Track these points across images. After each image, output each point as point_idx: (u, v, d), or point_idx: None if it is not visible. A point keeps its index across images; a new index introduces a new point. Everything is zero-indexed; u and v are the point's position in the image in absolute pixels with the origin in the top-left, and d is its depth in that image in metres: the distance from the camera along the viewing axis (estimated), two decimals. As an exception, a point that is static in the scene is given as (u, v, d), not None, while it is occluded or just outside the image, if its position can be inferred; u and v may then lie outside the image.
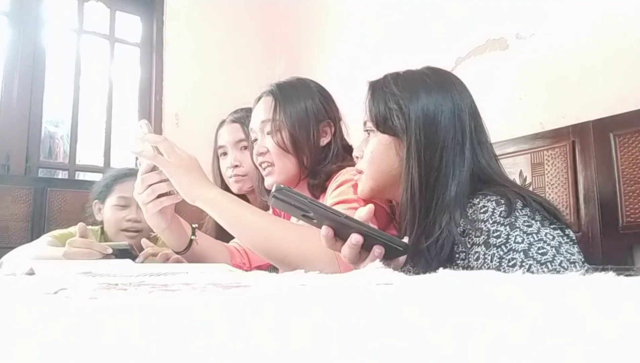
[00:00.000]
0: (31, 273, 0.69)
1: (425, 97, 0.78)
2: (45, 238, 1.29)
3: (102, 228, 1.42)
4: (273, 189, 0.63)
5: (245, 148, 1.31)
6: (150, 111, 2.64)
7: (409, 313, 0.25)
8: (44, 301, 0.32)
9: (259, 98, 1.06)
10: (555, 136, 1.58)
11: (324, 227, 0.63)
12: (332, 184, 0.94)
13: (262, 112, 1.03)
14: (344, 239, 0.64)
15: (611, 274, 0.35)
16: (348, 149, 1.08)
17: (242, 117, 1.33)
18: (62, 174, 2.51)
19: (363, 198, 0.85)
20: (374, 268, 0.50)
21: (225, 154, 1.34)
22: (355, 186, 0.88)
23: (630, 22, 1.51)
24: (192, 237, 0.95)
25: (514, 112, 1.75)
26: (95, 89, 2.59)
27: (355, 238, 0.62)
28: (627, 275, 0.34)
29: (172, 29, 2.71)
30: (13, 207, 2.09)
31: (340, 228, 0.62)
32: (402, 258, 0.69)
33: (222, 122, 1.37)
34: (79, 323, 0.23)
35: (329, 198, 0.91)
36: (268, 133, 1.02)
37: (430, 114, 0.78)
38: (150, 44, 2.70)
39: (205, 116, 2.41)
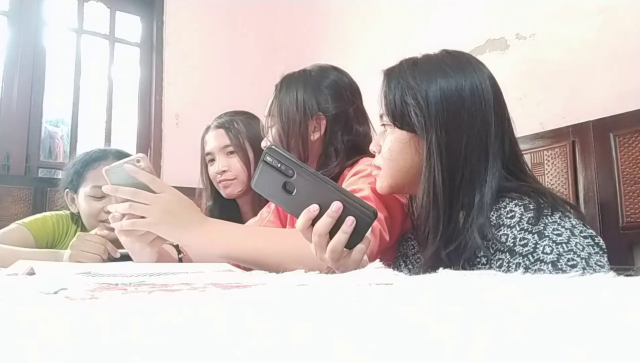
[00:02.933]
0: (31, 273, 0.69)
1: (445, 87, 0.71)
2: (19, 228, 1.21)
3: (71, 214, 1.32)
4: (265, 149, 0.61)
5: (232, 152, 1.31)
6: (150, 111, 2.64)
7: (409, 313, 0.25)
8: (44, 301, 0.31)
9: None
10: (555, 136, 1.58)
11: (312, 205, 0.58)
12: (348, 175, 0.92)
13: (267, 107, 1.03)
14: (321, 214, 0.58)
15: (611, 274, 0.35)
16: (357, 143, 1.00)
17: (226, 122, 1.33)
18: (62, 174, 2.51)
19: (382, 194, 0.81)
20: (374, 268, 0.50)
21: (212, 160, 1.34)
22: (366, 176, 0.86)
23: (630, 22, 1.51)
24: (180, 256, 0.93)
25: (514, 112, 1.74)
26: (95, 89, 2.59)
27: (336, 206, 0.57)
28: (627, 275, 0.34)
29: (172, 29, 2.71)
30: (13, 207, 2.09)
31: (323, 197, 0.58)
32: (365, 259, 0.62)
33: (207, 129, 1.37)
34: (79, 323, 0.23)
35: None
36: (269, 127, 1.02)
37: (451, 107, 0.71)
38: (150, 44, 2.70)
39: (205, 116, 2.41)
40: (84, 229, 1.28)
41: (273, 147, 0.62)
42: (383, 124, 0.79)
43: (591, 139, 1.49)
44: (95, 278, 0.51)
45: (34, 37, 2.33)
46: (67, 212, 1.35)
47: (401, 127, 0.75)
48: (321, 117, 0.99)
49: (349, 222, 0.57)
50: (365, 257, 0.64)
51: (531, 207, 0.66)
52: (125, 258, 1.01)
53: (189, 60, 2.72)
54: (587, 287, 0.33)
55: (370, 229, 0.60)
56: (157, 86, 2.64)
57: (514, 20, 1.82)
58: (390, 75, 0.78)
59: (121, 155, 1.30)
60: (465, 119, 0.70)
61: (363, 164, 0.92)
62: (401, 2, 2.29)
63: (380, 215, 0.80)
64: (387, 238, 0.81)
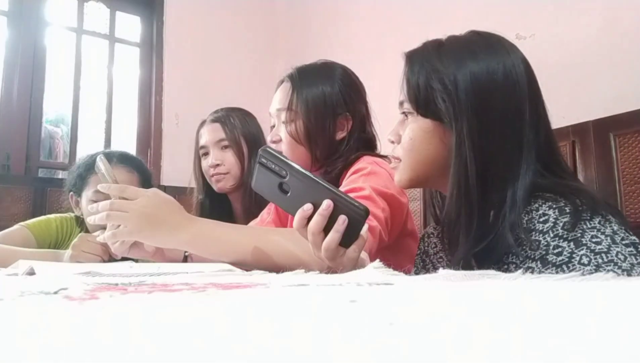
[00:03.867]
0: (31, 273, 0.69)
1: (476, 71, 0.65)
2: (22, 229, 1.22)
3: (76, 216, 1.32)
4: (260, 151, 0.61)
5: (226, 147, 1.31)
6: (150, 111, 2.64)
7: (409, 313, 0.25)
8: (44, 301, 0.31)
9: (281, 81, 1.02)
10: (556, 136, 1.58)
11: (306, 204, 0.59)
12: (348, 173, 0.91)
13: (278, 100, 1.00)
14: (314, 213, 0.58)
15: (611, 274, 0.35)
16: (368, 143, 1.00)
17: (222, 116, 1.34)
18: (62, 174, 2.52)
19: (402, 188, 0.78)
20: (374, 268, 0.50)
21: (206, 154, 1.35)
22: (367, 175, 0.85)
23: (630, 22, 1.51)
24: (186, 254, 0.90)
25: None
26: (95, 89, 2.60)
27: (326, 204, 0.56)
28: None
29: (172, 29, 2.71)
30: (13, 207, 2.09)
31: (316, 196, 0.59)
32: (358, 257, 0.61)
33: (203, 123, 1.38)
34: (79, 323, 0.23)
35: (342, 188, 0.88)
36: (283, 122, 0.98)
37: (483, 93, 0.64)
38: (150, 44, 2.70)
39: (205, 116, 2.43)
40: (88, 232, 1.26)
41: (267, 148, 0.62)
42: (404, 112, 0.72)
43: (591, 139, 1.49)
44: (95, 278, 0.51)
45: (34, 37, 2.33)
46: (72, 215, 1.34)
47: (425, 115, 0.68)
48: (348, 117, 0.97)
49: (341, 221, 0.57)
50: (366, 256, 0.63)
51: (567, 210, 0.59)
52: (126, 258, 1.01)
53: (189, 60, 2.72)
54: (587, 287, 0.33)
55: (366, 227, 0.60)
56: (157, 86, 2.64)
57: (514, 20, 1.82)
58: (413, 57, 0.71)
59: (125, 158, 1.29)
60: (498, 106, 0.64)
61: (363, 162, 0.90)
62: (401, 2, 2.29)
63: (381, 215, 0.80)
64: (387, 239, 0.81)
